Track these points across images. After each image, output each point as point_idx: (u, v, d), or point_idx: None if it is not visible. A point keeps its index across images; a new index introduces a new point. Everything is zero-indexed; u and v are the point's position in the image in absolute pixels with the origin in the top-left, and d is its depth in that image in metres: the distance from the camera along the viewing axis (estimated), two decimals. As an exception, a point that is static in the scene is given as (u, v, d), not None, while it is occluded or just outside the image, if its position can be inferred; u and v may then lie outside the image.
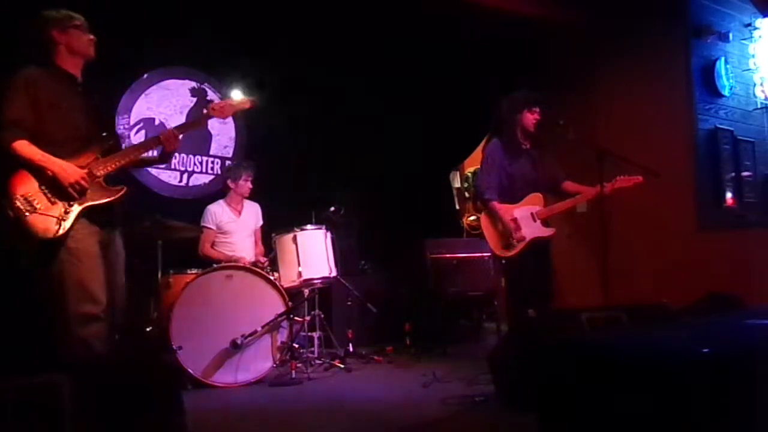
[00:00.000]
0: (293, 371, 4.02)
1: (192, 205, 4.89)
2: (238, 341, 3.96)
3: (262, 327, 4.03)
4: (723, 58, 4.89)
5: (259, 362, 4.04)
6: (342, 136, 5.64)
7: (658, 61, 4.81)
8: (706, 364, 1.74)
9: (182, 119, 5.17)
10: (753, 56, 5.15)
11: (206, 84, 5.32)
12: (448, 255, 5.33)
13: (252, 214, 4.81)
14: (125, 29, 4.58)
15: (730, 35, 4.99)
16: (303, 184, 5.38)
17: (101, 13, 4.40)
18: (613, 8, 4.97)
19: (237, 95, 4.58)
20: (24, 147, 2.71)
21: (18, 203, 2.66)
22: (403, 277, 5.51)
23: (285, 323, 4.13)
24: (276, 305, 4.10)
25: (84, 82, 2.97)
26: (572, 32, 5.19)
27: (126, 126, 4.90)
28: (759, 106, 5.19)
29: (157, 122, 5.07)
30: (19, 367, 2.70)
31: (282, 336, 4.16)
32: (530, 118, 3.86)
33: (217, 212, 4.66)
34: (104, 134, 2.90)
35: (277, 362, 4.10)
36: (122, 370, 2.57)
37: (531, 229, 3.80)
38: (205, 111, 3.23)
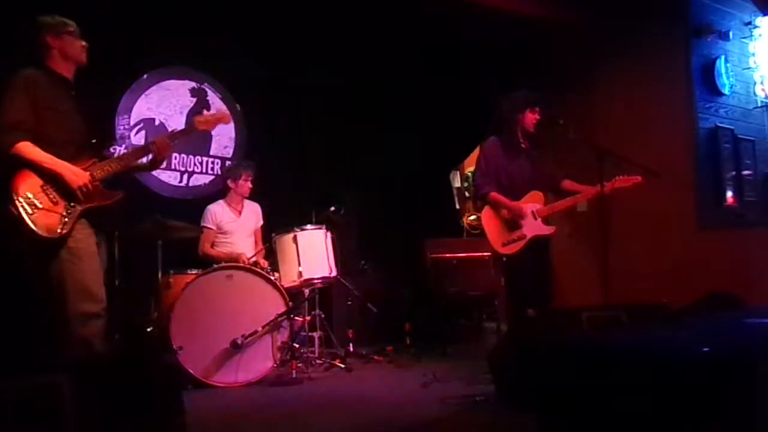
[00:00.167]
0: (294, 371, 4.02)
1: (192, 205, 4.89)
2: (239, 341, 3.96)
3: (263, 327, 4.03)
4: (723, 57, 4.89)
5: (259, 362, 4.04)
6: (342, 136, 5.65)
7: (658, 60, 4.81)
8: (707, 363, 1.74)
9: (182, 119, 5.17)
10: (753, 55, 5.15)
11: (206, 84, 5.32)
12: (448, 255, 5.33)
13: (252, 214, 4.81)
14: (125, 30, 4.60)
15: (731, 34, 4.99)
16: (303, 184, 5.38)
17: (101, 13, 4.45)
18: (613, 8, 4.96)
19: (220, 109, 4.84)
20: (29, 148, 2.75)
21: (22, 202, 2.69)
22: (403, 276, 5.51)
23: (285, 323, 4.13)
24: (276, 305, 4.10)
25: (77, 87, 3.02)
26: (572, 32, 5.18)
27: (126, 126, 4.90)
28: (759, 104, 5.18)
29: (157, 122, 5.07)
30: (19, 367, 2.71)
31: (282, 336, 4.16)
32: (531, 117, 3.86)
33: (217, 212, 4.66)
34: (93, 141, 2.96)
35: (278, 362, 4.09)
36: (123, 370, 2.57)
37: (532, 227, 3.80)
38: (190, 124, 3.33)
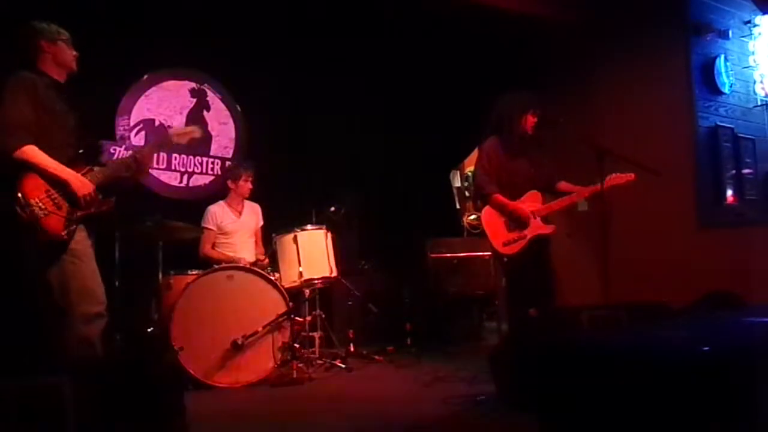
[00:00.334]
0: (294, 371, 4.02)
1: (192, 205, 4.89)
2: (239, 342, 3.96)
3: (263, 327, 4.03)
4: (723, 56, 4.88)
5: (260, 363, 4.04)
6: (342, 136, 5.65)
7: (657, 60, 4.81)
8: (706, 362, 1.74)
9: (182, 120, 5.18)
10: (753, 53, 5.14)
11: (206, 85, 5.33)
12: (448, 254, 5.33)
13: (252, 214, 4.81)
14: (125, 30, 4.60)
15: (730, 32, 4.99)
16: (303, 184, 5.38)
17: (102, 14, 4.45)
18: (612, 7, 4.96)
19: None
20: (34, 152, 2.79)
21: (34, 204, 2.74)
22: (403, 276, 5.51)
23: (286, 323, 4.13)
24: (277, 305, 4.10)
25: (75, 88, 3.08)
26: (572, 32, 5.18)
27: (126, 127, 4.90)
28: (759, 103, 5.18)
29: (157, 123, 5.07)
30: (21, 368, 2.71)
31: (283, 336, 4.16)
32: (531, 121, 3.86)
33: (218, 213, 4.66)
34: (81, 151, 3.00)
35: (278, 362, 4.09)
36: (124, 371, 2.58)
37: (532, 227, 3.81)
38: (167, 137, 3.46)
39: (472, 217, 5.44)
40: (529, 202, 3.86)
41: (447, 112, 5.61)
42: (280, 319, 4.08)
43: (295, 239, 4.33)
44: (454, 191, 6.00)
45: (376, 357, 4.66)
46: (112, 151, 4.65)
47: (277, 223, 4.62)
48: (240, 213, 4.74)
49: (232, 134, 5.47)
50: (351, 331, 4.85)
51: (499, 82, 4.21)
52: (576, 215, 4.66)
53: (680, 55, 4.75)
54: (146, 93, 5.03)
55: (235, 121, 5.47)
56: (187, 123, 5.19)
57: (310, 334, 4.54)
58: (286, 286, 4.23)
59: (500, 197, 3.80)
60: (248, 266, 4.28)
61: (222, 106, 5.41)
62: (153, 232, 4.07)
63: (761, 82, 5.14)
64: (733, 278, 4.16)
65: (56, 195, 2.82)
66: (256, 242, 4.82)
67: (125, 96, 4.93)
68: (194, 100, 5.28)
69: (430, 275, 5.33)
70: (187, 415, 2.71)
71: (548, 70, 5.39)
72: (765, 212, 4.98)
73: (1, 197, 2.82)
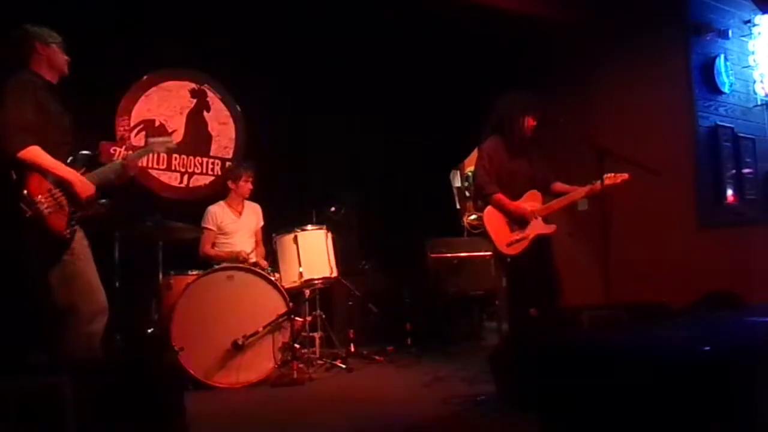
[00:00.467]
0: (295, 371, 4.02)
1: (192, 206, 4.89)
2: (240, 342, 3.96)
3: (264, 327, 4.03)
4: (723, 55, 4.88)
5: (260, 363, 4.04)
6: (342, 136, 5.65)
7: (657, 59, 4.81)
8: (707, 362, 1.74)
9: (182, 120, 5.18)
10: (753, 53, 5.14)
11: (206, 85, 5.32)
12: (448, 254, 5.33)
13: (252, 214, 4.81)
14: (126, 31, 4.60)
15: (730, 32, 4.99)
16: (303, 185, 5.38)
17: (102, 14, 4.46)
18: (612, 7, 4.96)
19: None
20: (38, 152, 2.82)
21: (38, 202, 2.78)
22: (403, 276, 5.51)
23: (286, 323, 4.13)
24: (277, 306, 4.10)
25: (74, 89, 3.13)
26: (572, 32, 5.18)
27: (126, 127, 4.90)
28: (759, 102, 5.18)
29: (157, 123, 5.07)
30: (21, 368, 2.72)
31: (283, 336, 4.16)
32: (530, 124, 3.86)
33: (218, 213, 4.66)
34: (71, 159, 3.02)
35: (279, 363, 4.09)
36: (124, 371, 2.58)
37: (533, 227, 3.81)
38: (151, 145, 3.54)
39: (473, 217, 5.44)
40: (530, 202, 3.86)
41: (447, 112, 5.61)
42: (281, 320, 4.08)
43: (295, 239, 4.33)
44: (455, 191, 5.99)
45: (377, 357, 4.66)
46: (112, 151, 4.64)
47: (278, 223, 4.62)
48: (240, 213, 4.74)
49: (232, 134, 5.47)
50: (351, 331, 4.85)
51: (499, 82, 4.20)
52: (576, 215, 4.66)
53: (680, 55, 4.75)
54: (146, 93, 5.03)
55: (235, 122, 5.47)
56: (187, 123, 5.20)
57: (311, 334, 4.54)
58: (286, 287, 4.23)
59: (502, 197, 3.80)
60: (249, 263, 4.29)
61: (222, 106, 5.41)
62: (153, 233, 4.07)
63: (761, 81, 5.14)
64: (734, 278, 4.16)
65: (59, 194, 2.86)
66: (256, 243, 4.82)
67: (125, 96, 4.93)
68: (194, 100, 5.28)
69: (430, 275, 5.33)
70: (187, 415, 2.71)
71: (548, 70, 5.39)
72: (765, 212, 4.98)
73: (1, 197, 2.84)
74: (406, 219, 5.81)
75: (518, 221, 3.79)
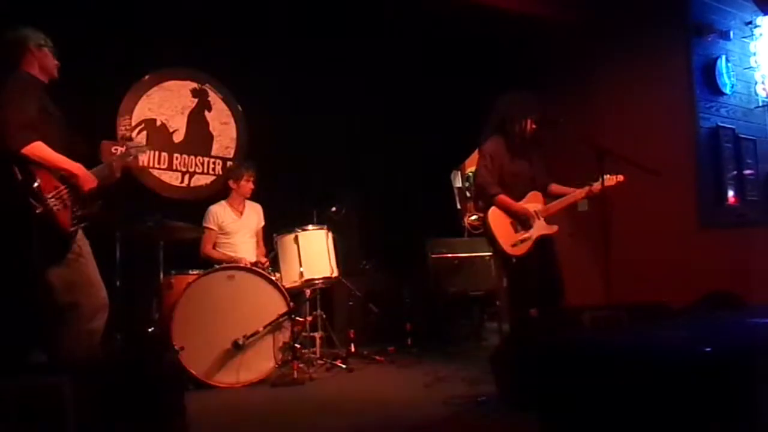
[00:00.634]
0: (295, 371, 4.02)
1: (193, 205, 4.89)
2: (240, 341, 3.96)
3: (264, 327, 4.03)
4: (724, 56, 4.88)
5: (260, 362, 4.04)
6: (342, 136, 5.65)
7: (658, 60, 4.81)
8: (707, 363, 1.74)
9: (184, 120, 5.18)
10: (754, 54, 5.14)
11: (207, 85, 5.32)
12: (449, 254, 5.33)
13: (253, 214, 4.81)
14: (127, 31, 4.61)
15: (731, 33, 4.99)
16: (304, 184, 5.38)
17: (103, 14, 4.46)
18: (613, 7, 4.96)
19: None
20: (43, 148, 2.84)
21: (48, 198, 2.80)
22: (404, 276, 5.51)
23: (287, 323, 4.13)
24: (277, 305, 4.10)
25: (72, 90, 3.22)
26: (572, 32, 5.18)
27: (127, 127, 4.91)
28: (760, 104, 5.18)
29: (158, 123, 5.07)
30: (21, 368, 2.72)
31: (284, 336, 4.16)
32: (531, 127, 3.86)
33: (219, 213, 4.66)
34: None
35: (279, 362, 4.10)
36: (124, 371, 2.58)
37: (536, 227, 3.81)
38: (130, 148, 3.52)
39: (473, 217, 5.44)
40: (532, 203, 3.86)
41: (447, 112, 5.61)
42: (281, 319, 4.09)
43: (296, 239, 4.33)
44: (455, 191, 6.00)
45: (377, 357, 4.66)
46: (113, 150, 4.64)
47: (278, 223, 4.62)
48: (241, 213, 4.74)
49: (234, 134, 5.47)
50: (352, 331, 4.85)
51: (499, 82, 4.21)
52: (577, 215, 4.66)
53: (681, 56, 4.74)
54: (148, 93, 5.03)
55: (236, 121, 5.47)
56: (189, 123, 5.21)
57: (311, 334, 4.54)
58: (287, 286, 4.23)
59: (505, 198, 3.80)
60: (249, 266, 4.29)
61: (223, 106, 5.41)
62: (154, 232, 4.07)
63: (762, 82, 5.14)
64: (734, 279, 4.15)
65: (64, 192, 2.88)
66: (257, 243, 4.82)
67: (126, 96, 4.93)
68: (196, 100, 5.28)
69: (431, 275, 5.32)
70: (187, 415, 2.71)
71: (548, 70, 5.38)
72: (766, 213, 4.98)
73: (1, 196, 2.84)
74: (407, 219, 5.81)
75: (522, 222, 3.80)
